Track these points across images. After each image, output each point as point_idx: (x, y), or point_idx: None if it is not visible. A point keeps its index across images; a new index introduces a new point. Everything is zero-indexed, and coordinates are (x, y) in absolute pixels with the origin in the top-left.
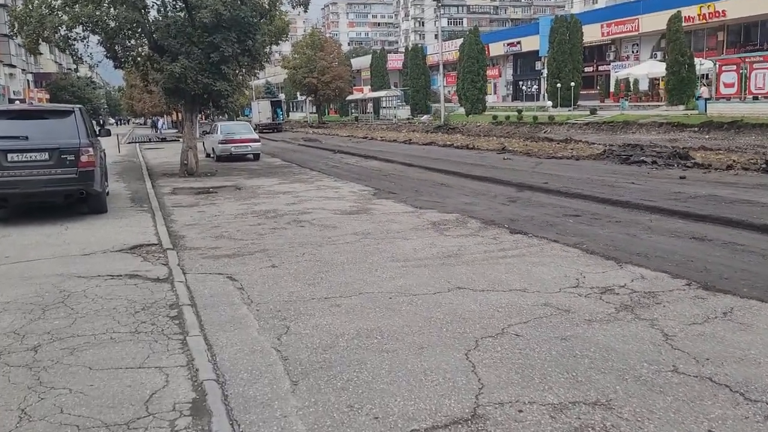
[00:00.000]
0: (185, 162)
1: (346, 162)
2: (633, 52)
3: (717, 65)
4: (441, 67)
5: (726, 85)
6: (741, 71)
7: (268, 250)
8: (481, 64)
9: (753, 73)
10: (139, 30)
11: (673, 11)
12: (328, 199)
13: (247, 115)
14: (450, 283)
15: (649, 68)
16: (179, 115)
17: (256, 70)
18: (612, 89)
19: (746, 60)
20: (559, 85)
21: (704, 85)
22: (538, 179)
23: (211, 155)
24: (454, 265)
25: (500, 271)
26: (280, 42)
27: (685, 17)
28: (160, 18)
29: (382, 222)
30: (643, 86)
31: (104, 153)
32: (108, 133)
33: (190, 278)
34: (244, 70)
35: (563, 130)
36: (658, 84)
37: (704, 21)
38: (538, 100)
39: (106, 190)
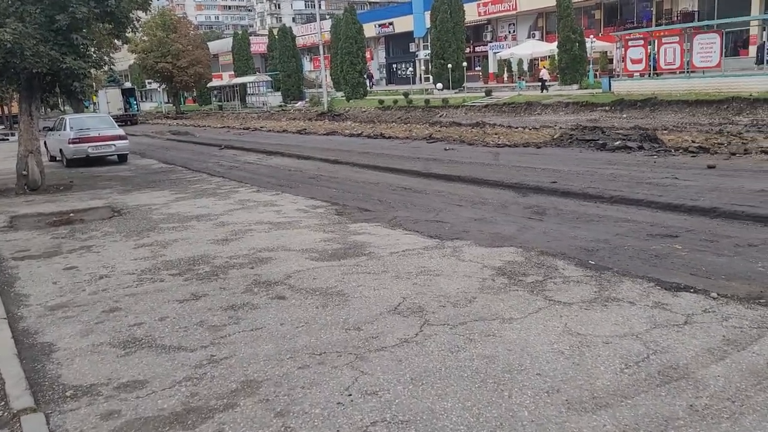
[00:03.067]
0: (24, 172)
1: (245, 161)
2: (510, 32)
3: (621, 41)
4: (321, 49)
5: (633, 62)
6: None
7: (259, 386)
8: (359, 45)
9: (662, 47)
10: None
11: None
12: (278, 228)
13: (87, 107)
14: None
15: (532, 48)
16: (3, 107)
17: (119, 43)
18: (494, 70)
19: (654, 35)
20: (450, 65)
21: (544, 67)
22: (532, 177)
23: (59, 158)
24: (734, 418)
25: None
26: (149, 5)
27: None
28: None
29: (414, 275)
30: (524, 67)
31: None
32: None
33: None
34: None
35: (461, 113)
36: (538, 64)
37: None
38: (414, 83)
39: None
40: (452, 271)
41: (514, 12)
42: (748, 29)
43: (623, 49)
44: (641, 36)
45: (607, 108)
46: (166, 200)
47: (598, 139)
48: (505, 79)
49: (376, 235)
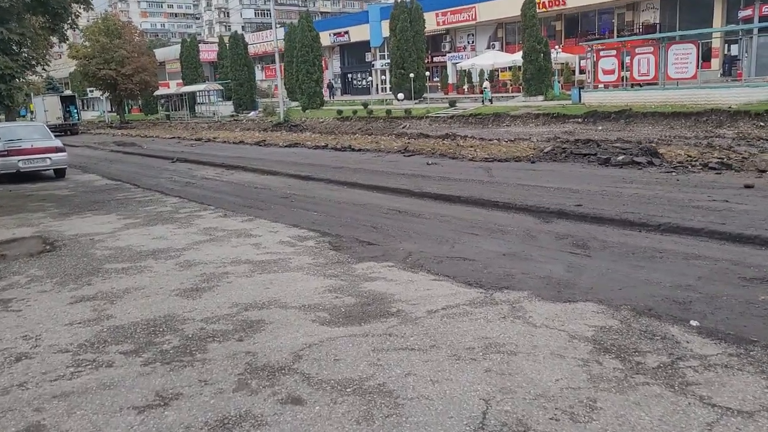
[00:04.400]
0: None
1: (202, 176)
2: (469, 42)
3: (593, 51)
4: (277, 57)
5: (605, 72)
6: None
7: None
8: (316, 53)
9: (636, 58)
10: None
11: None
12: (262, 270)
13: (23, 116)
14: None
15: (493, 58)
16: None
17: (55, 40)
18: (452, 81)
19: (627, 45)
20: (412, 75)
21: (486, 80)
22: (547, 198)
23: None
24: None
25: None
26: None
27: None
28: None
29: (479, 353)
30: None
31: None
32: None
33: None
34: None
35: (425, 125)
36: (498, 75)
37: (544, 9)
38: (370, 93)
39: None
40: (531, 345)
41: (474, 22)
42: (710, 42)
43: (594, 59)
44: (614, 46)
45: (579, 120)
46: (112, 228)
47: (596, 153)
48: (466, 89)
49: (394, 281)
